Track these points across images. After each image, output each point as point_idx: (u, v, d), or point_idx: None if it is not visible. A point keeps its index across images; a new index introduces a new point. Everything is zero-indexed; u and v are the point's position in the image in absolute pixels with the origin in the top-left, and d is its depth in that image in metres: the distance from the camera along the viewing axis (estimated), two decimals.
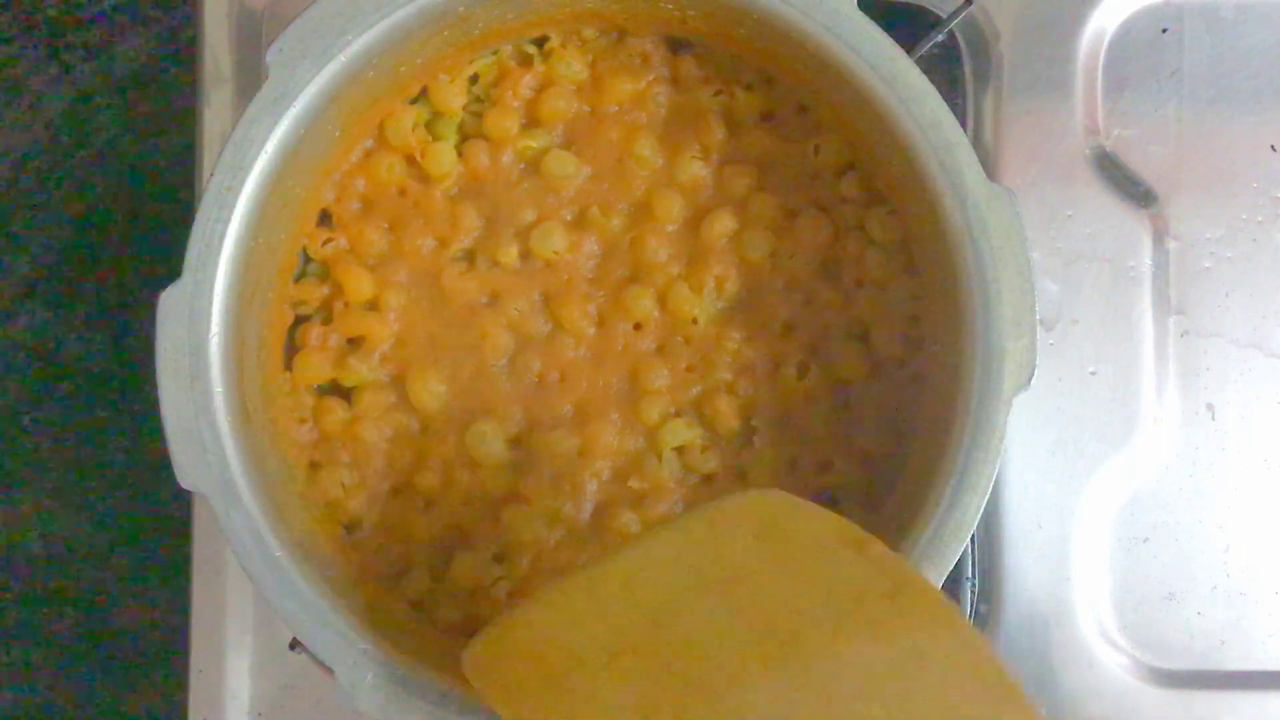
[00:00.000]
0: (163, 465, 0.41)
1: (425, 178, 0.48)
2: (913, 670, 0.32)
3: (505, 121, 0.47)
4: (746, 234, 0.47)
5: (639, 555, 0.37)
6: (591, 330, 0.47)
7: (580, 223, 0.48)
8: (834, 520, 0.37)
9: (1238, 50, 0.55)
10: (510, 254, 0.47)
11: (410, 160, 0.48)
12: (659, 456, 0.47)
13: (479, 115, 0.48)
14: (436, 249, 0.48)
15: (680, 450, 0.47)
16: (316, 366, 0.47)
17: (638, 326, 0.47)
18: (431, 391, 0.47)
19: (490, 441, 0.47)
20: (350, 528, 0.47)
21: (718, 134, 0.47)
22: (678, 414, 0.47)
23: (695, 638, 0.33)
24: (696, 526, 0.37)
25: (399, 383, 0.47)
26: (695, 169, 0.47)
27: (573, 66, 0.48)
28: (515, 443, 0.47)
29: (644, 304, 0.47)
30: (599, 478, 0.47)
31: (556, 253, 0.47)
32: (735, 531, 0.36)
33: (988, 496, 0.41)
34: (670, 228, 0.47)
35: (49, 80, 0.61)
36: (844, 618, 0.33)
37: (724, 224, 0.47)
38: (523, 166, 0.48)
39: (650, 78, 0.48)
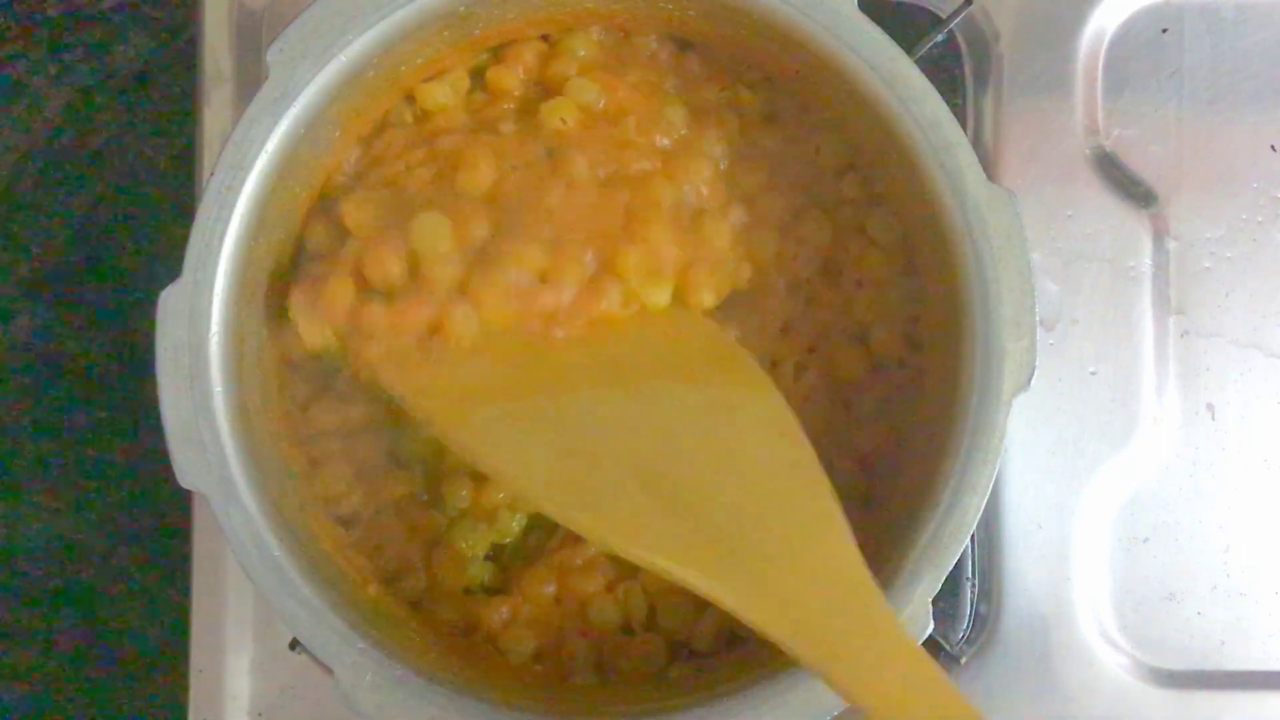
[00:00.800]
0: (163, 465, 0.41)
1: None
2: (722, 414, 0.41)
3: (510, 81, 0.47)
4: (754, 232, 0.47)
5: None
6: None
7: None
8: (708, 326, 0.45)
9: (1238, 50, 0.55)
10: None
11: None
12: None
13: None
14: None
15: None
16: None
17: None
18: None
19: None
20: (348, 524, 0.47)
21: (733, 125, 0.47)
22: None
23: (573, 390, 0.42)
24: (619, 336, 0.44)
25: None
26: (716, 153, 0.47)
27: (580, 52, 0.47)
28: None
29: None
30: None
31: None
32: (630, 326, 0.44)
33: (987, 497, 0.41)
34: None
35: (49, 80, 0.61)
36: (677, 370, 0.42)
37: (736, 217, 0.47)
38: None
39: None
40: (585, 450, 0.40)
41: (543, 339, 0.43)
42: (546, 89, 0.47)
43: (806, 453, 0.41)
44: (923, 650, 0.37)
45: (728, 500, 0.39)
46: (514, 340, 0.43)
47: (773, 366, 0.47)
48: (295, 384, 0.47)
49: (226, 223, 0.42)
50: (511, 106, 0.47)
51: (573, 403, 0.41)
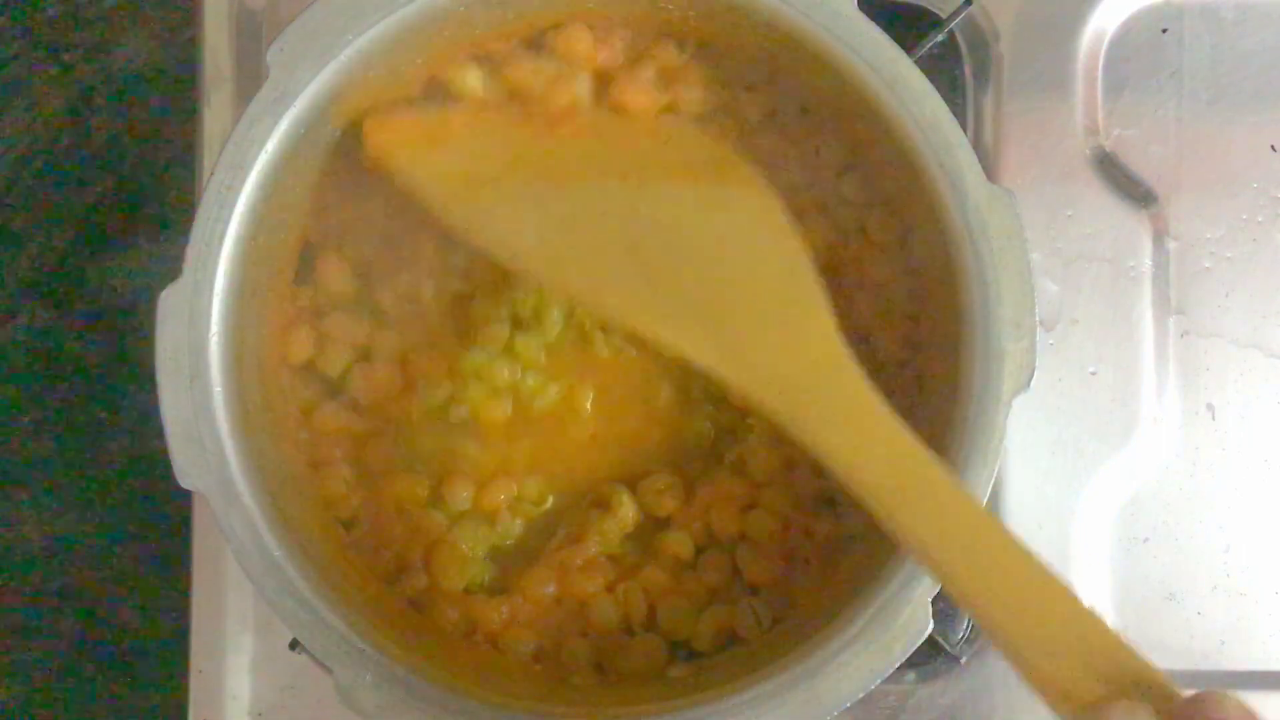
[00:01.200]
0: (163, 465, 0.41)
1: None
2: (715, 209, 0.43)
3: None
4: None
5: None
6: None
7: None
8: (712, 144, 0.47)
9: (1238, 50, 0.55)
10: None
11: None
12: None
13: None
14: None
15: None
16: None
17: None
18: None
19: None
20: (348, 524, 0.47)
21: (731, 127, 0.47)
22: None
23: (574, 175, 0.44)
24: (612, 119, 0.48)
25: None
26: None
27: (580, 45, 0.48)
28: None
29: None
30: None
31: None
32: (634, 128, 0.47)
33: (987, 497, 0.41)
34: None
35: (49, 80, 0.61)
36: (676, 170, 0.44)
37: None
38: None
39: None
40: (580, 227, 0.43)
41: (548, 132, 0.46)
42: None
43: (793, 244, 0.43)
44: (890, 412, 0.39)
45: (716, 278, 0.42)
46: (521, 130, 0.46)
47: None
48: (297, 389, 0.47)
49: (226, 223, 0.42)
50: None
51: (571, 188, 0.44)
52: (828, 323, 0.41)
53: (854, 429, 0.38)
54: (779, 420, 0.39)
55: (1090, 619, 0.35)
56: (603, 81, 0.48)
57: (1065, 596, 0.35)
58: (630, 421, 0.48)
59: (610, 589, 0.47)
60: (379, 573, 0.46)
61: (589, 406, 0.48)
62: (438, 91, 0.47)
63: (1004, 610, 0.35)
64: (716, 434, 0.48)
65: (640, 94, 0.47)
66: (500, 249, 0.43)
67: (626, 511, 0.47)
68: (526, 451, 0.48)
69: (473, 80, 0.47)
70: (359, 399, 0.47)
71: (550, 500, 0.48)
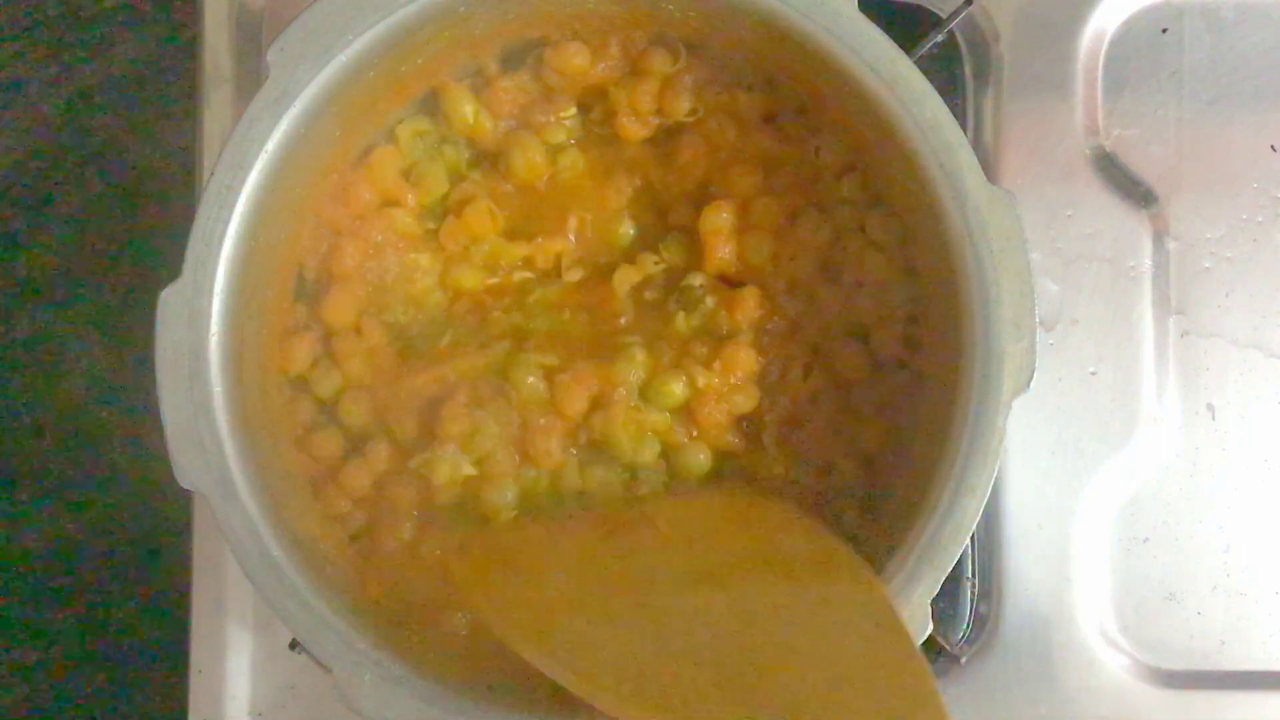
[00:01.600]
0: (163, 465, 0.41)
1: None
2: (818, 610, 0.40)
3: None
4: (748, 236, 0.47)
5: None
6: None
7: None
8: (788, 512, 0.44)
9: (1238, 50, 0.55)
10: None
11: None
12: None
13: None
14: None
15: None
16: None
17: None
18: None
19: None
20: (348, 525, 0.47)
21: (730, 134, 0.47)
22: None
23: (665, 600, 0.41)
24: (682, 508, 0.44)
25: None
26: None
27: (576, 60, 0.48)
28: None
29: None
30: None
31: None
32: (712, 516, 0.44)
33: (987, 498, 0.41)
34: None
35: (49, 80, 0.61)
36: (772, 567, 0.42)
37: (724, 218, 0.47)
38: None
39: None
40: (662, 647, 0.39)
41: (625, 541, 0.43)
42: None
43: (909, 648, 0.39)
44: None
45: (818, 679, 0.38)
46: (596, 546, 0.43)
47: (784, 366, 0.47)
48: (296, 406, 0.47)
49: (226, 223, 0.42)
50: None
51: (654, 601, 0.40)
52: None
53: None
54: None
55: None
56: (599, 96, 0.48)
57: None
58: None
59: None
60: (379, 574, 0.46)
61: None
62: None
63: None
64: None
65: (638, 120, 0.47)
66: (573, 686, 0.39)
67: None
68: None
69: (468, 110, 0.47)
70: (349, 425, 0.47)
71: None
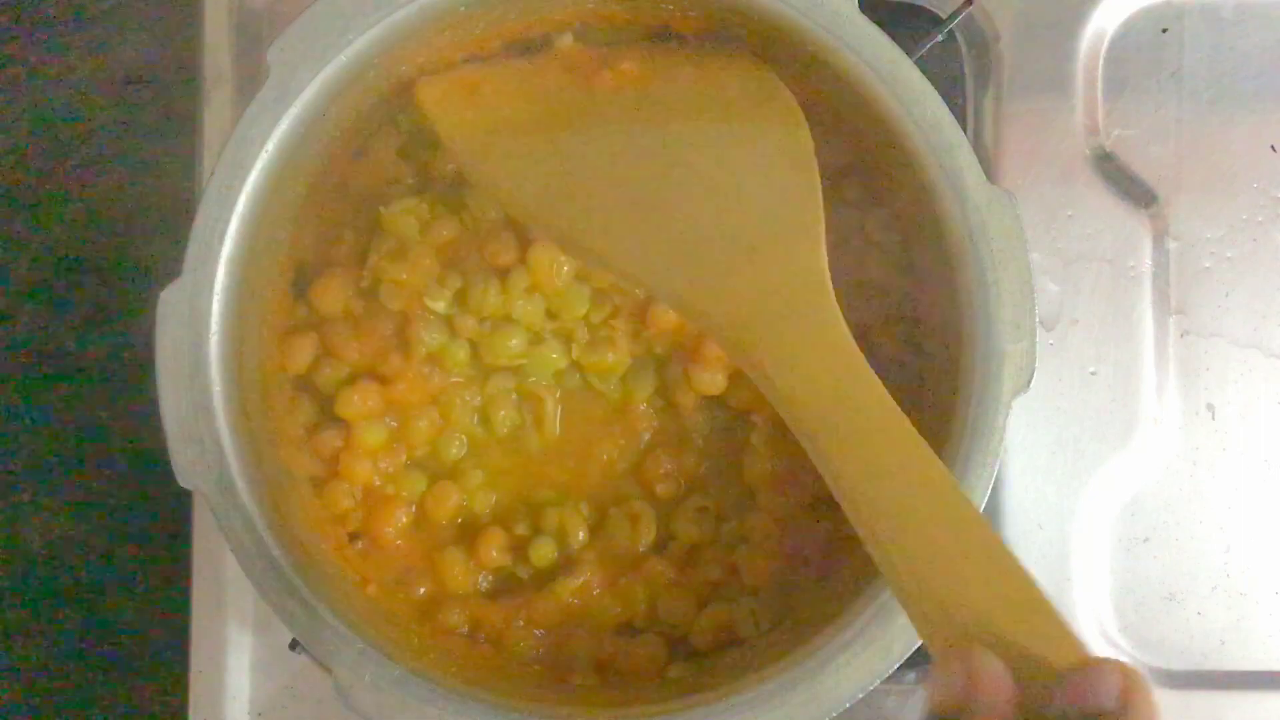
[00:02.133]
0: (163, 465, 0.41)
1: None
2: (738, 145, 0.43)
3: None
4: None
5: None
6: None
7: None
8: (746, 59, 0.47)
9: (1238, 50, 0.55)
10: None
11: None
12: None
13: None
14: None
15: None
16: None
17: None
18: None
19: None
20: (354, 537, 0.47)
21: None
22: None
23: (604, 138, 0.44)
24: (658, 50, 0.47)
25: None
26: None
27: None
28: None
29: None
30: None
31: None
32: (677, 61, 0.47)
33: (986, 498, 0.41)
34: None
35: (49, 80, 0.61)
36: (713, 105, 0.45)
37: None
38: None
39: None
40: (587, 173, 0.43)
41: (587, 83, 0.46)
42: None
43: (810, 178, 0.42)
44: (856, 351, 0.38)
45: (717, 211, 0.41)
46: (560, 81, 0.46)
47: None
48: (299, 407, 0.47)
49: (226, 223, 0.42)
50: None
51: (593, 135, 0.44)
52: (819, 251, 0.40)
53: (817, 359, 0.38)
54: (735, 339, 0.39)
55: (1014, 568, 0.33)
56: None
57: (1018, 570, 0.33)
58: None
59: (612, 584, 0.47)
60: (380, 574, 0.46)
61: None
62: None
63: (917, 538, 0.34)
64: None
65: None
66: (502, 196, 0.44)
67: (649, 525, 0.47)
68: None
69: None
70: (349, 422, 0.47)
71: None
